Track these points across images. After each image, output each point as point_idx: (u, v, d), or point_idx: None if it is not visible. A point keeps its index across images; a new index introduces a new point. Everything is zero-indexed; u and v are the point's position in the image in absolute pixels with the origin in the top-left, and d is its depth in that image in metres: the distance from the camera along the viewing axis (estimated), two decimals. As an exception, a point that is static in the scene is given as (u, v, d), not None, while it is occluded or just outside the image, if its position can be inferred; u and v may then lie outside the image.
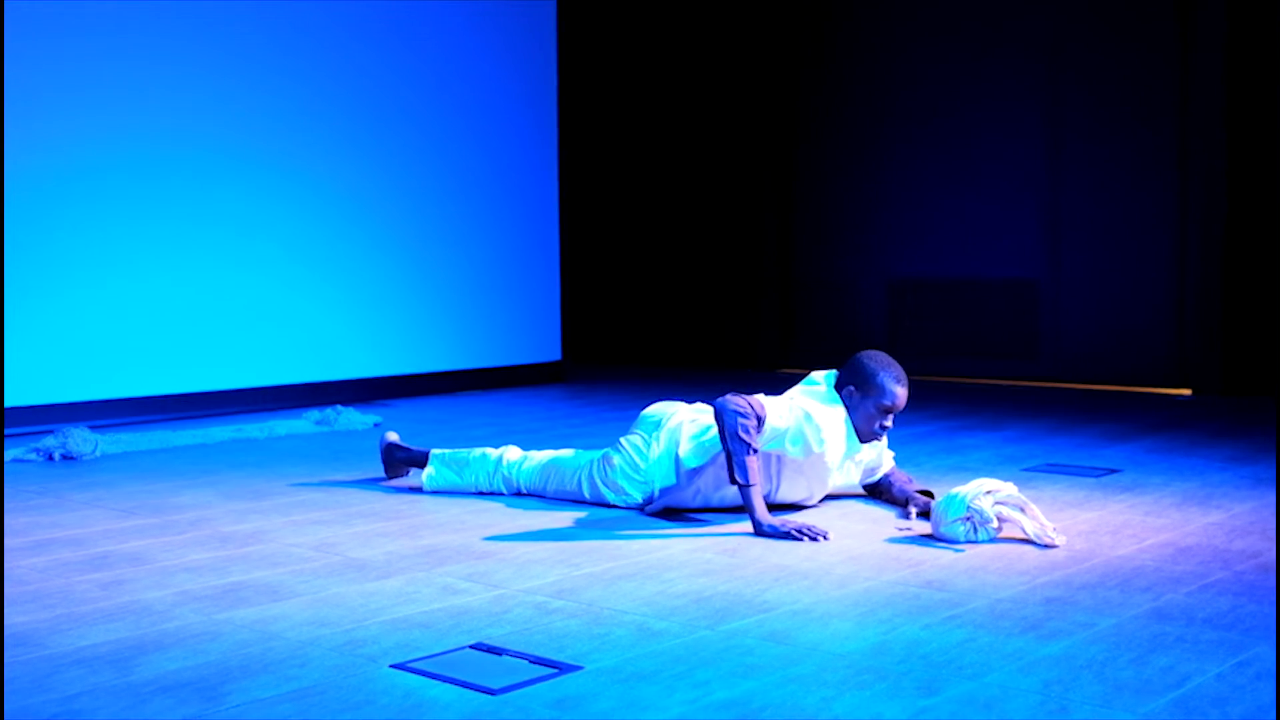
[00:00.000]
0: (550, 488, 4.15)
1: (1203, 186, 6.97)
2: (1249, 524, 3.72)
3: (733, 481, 3.63)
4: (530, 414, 6.38)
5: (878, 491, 4.09)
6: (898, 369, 3.84)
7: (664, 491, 3.91)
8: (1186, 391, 7.01)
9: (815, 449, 3.75)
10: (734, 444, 3.60)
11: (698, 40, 8.72)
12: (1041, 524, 3.48)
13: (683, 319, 8.71)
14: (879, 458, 4.01)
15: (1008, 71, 7.62)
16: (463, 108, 7.37)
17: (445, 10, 7.29)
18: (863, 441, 3.87)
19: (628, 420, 5.93)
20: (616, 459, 4.01)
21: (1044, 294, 7.56)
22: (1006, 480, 3.71)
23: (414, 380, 7.17)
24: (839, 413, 3.81)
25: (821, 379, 3.92)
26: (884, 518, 3.85)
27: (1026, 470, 4.63)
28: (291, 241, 6.65)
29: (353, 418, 5.94)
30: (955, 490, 3.55)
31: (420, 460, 4.36)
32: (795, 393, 3.90)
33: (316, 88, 6.73)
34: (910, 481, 4.04)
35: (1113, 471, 4.59)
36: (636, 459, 3.98)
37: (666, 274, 8.88)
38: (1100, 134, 7.33)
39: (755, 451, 3.60)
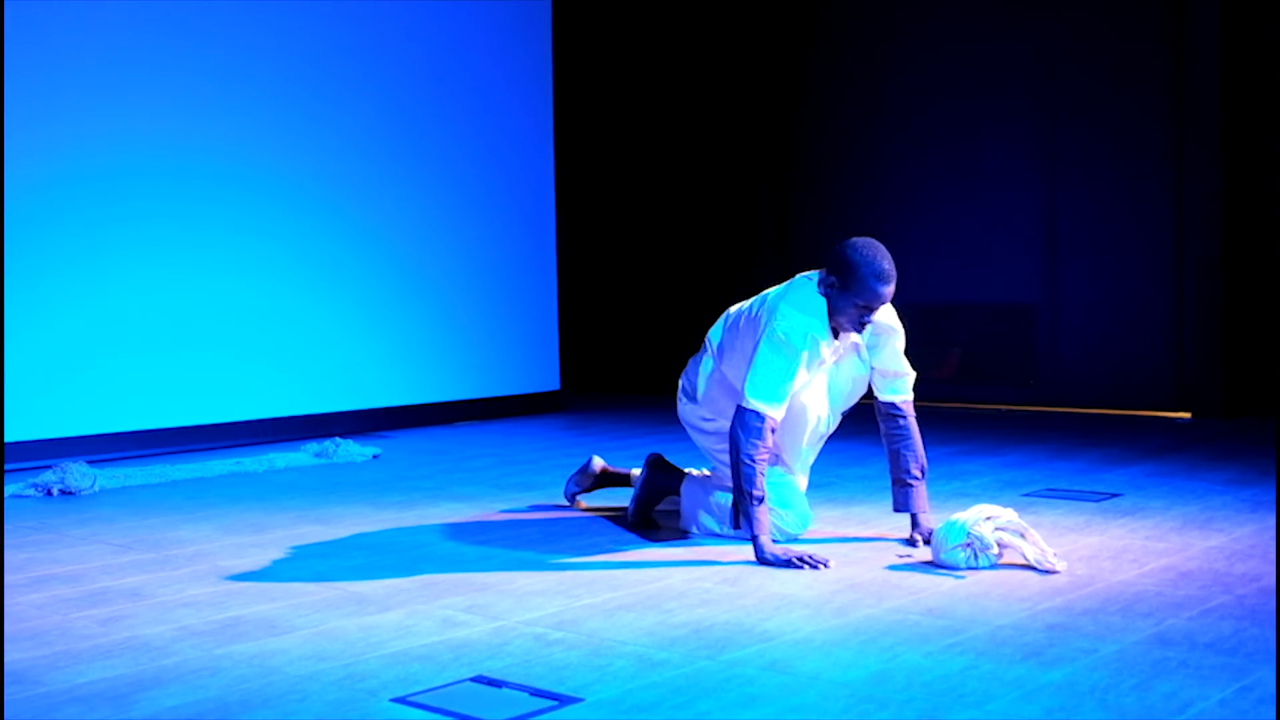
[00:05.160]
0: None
1: (1199, 209, 6.98)
2: (1250, 547, 3.71)
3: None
4: (530, 443, 6.38)
5: (884, 413, 3.89)
6: (882, 263, 3.59)
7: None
8: (1186, 415, 7.01)
9: (818, 358, 3.69)
10: (740, 497, 3.60)
11: (693, 70, 8.75)
12: (1042, 549, 3.48)
13: (682, 348, 8.68)
14: (881, 337, 3.83)
15: (1004, 97, 7.64)
16: (458, 135, 7.39)
17: (442, 43, 7.32)
18: (842, 333, 3.71)
19: (628, 448, 5.94)
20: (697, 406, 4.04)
21: (1042, 318, 7.56)
22: (1006, 506, 3.70)
23: (412, 411, 7.16)
24: (818, 308, 3.66)
25: (810, 276, 3.76)
26: (884, 546, 3.84)
27: (1026, 495, 4.62)
28: (288, 275, 6.66)
29: (351, 450, 5.93)
30: (955, 516, 3.54)
31: (625, 478, 4.36)
32: (777, 304, 3.74)
33: (308, 116, 6.74)
34: (918, 461, 3.88)
35: (1113, 496, 4.58)
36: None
37: (666, 302, 8.88)
38: (1097, 157, 7.35)
39: (763, 500, 3.59)
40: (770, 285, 3.99)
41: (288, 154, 6.65)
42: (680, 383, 4.17)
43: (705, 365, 4.01)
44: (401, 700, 2.50)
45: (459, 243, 7.41)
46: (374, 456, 5.95)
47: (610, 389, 8.98)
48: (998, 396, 7.67)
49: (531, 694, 2.52)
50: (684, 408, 4.12)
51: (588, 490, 4.55)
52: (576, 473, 4.56)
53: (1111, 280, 7.32)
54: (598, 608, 3.16)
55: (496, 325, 7.59)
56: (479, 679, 2.62)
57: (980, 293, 7.76)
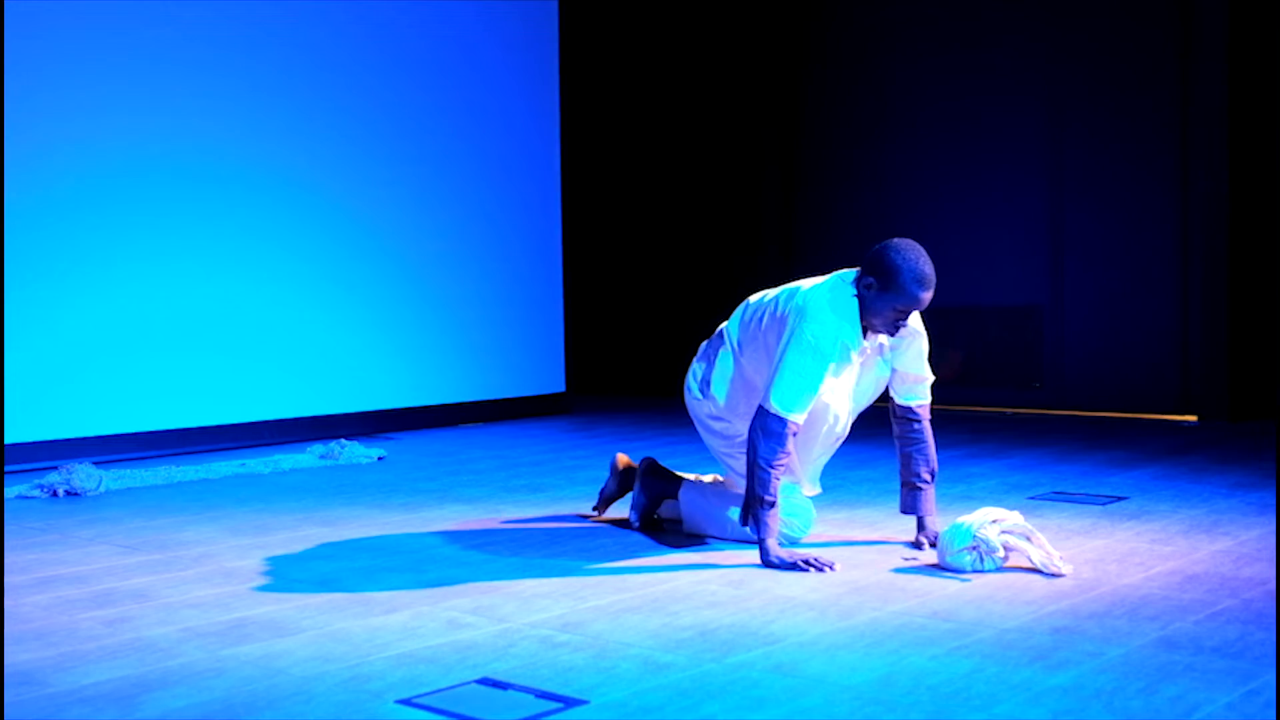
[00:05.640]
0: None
1: (1205, 212, 6.98)
2: (1256, 551, 3.70)
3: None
4: (535, 446, 6.38)
5: (900, 416, 3.84)
6: (924, 267, 3.57)
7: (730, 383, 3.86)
8: (1192, 418, 7.00)
9: (847, 362, 3.64)
10: (751, 499, 3.57)
11: (697, 74, 8.76)
12: (1048, 553, 3.47)
13: (688, 350, 8.69)
14: (904, 340, 3.79)
15: (1009, 100, 7.64)
16: (465, 137, 7.39)
17: (448, 41, 7.32)
18: (872, 333, 3.66)
19: (635, 450, 5.93)
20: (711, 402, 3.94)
21: (1048, 321, 7.56)
22: (1012, 509, 3.70)
23: (418, 413, 7.17)
24: (851, 312, 3.61)
25: (844, 275, 3.70)
26: (890, 549, 3.84)
27: (1032, 499, 4.62)
28: (295, 276, 6.67)
29: (357, 451, 5.93)
30: (961, 520, 3.54)
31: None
32: (809, 296, 3.66)
33: (313, 118, 6.75)
34: (929, 465, 3.83)
35: (1119, 499, 4.58)
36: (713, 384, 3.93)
37: (671, 304, 8.89)
38: (1102, 160, 7.35)
39: (774, 505, 3.57)
40: (774, 283, 3.94)
41: (293, 155, 6.65)
42: (691, 368, 4.05)
43: (725, 365, 3.90)
44: (407, 702, 2.50)
45: (465, 244, 7.42)
46: (379, 458, 5.95)
47: (616, 391, 8.98)
48: (1003, 399, 7.66)
49: (537, 696, 2.52)
50: (693, 401, 4.03)
51: (620, 495, 4.38)
52: (608, 478, 4.44)
53: (1117, 283, 7.31)
54: (603, 610, 3.16)
55: (502, 327, 7.60)
56: (484, 681, 2.62)
57: (985, 295, 7.75)
